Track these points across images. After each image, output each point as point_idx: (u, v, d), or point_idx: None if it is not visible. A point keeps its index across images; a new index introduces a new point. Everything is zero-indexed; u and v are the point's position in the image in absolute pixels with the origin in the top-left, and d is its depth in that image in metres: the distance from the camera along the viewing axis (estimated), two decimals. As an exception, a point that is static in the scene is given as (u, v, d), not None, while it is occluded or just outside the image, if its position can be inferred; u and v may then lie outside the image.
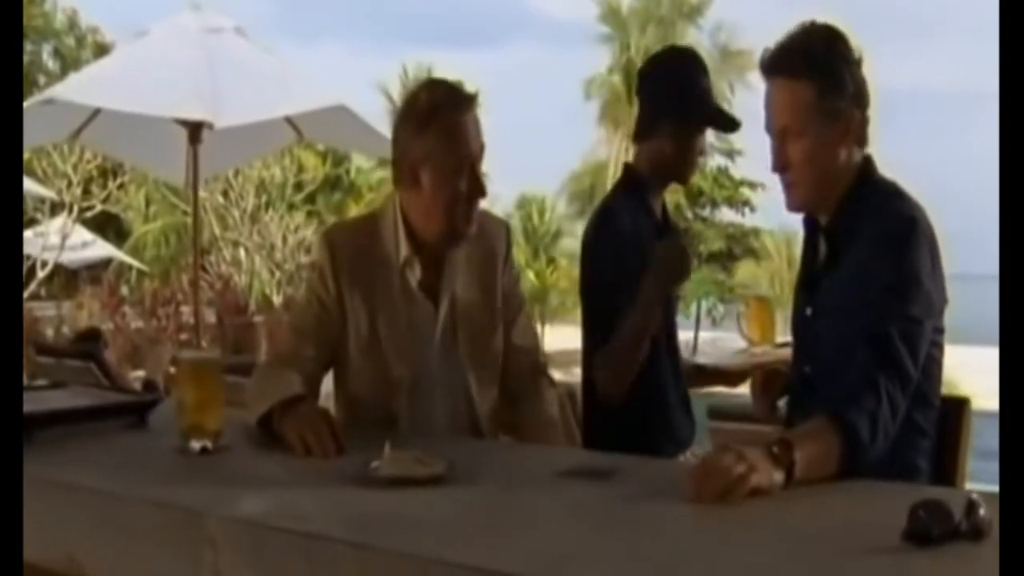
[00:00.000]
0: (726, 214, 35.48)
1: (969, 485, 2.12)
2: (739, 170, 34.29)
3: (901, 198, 1.98)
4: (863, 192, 2.01)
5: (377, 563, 1.34)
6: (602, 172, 31.76)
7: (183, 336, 10.98)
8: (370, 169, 26.46)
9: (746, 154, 34.70)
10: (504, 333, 2.30)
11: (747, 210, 34.30)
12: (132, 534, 1.58)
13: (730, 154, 34.57)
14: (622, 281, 2.37)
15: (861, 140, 2.01)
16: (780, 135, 1.99)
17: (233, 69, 5.67)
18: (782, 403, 2.32)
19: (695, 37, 33.01)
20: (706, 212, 34.98)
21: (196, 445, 1.90)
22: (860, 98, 1.99)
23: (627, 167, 2.62)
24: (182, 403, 1.91)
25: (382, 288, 2.21)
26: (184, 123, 5.82)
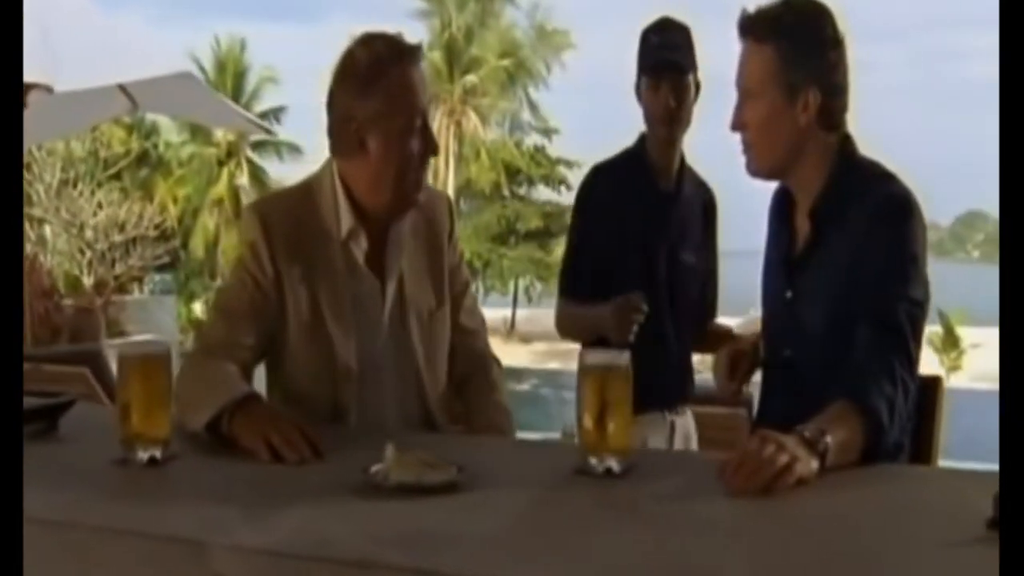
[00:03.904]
0: (543, 192, 36.04)
1: (942, 462, 2.12)
2: (556, 149, 34.92)
3: (892, 179, 1.94)
4: (848, 172, 1.96)
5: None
6: (420, 148, 31.49)
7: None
8: (180, 143, 25.18)
9: (563, 133, 35.41)
10: (451, 313, 2.14)
11: (563, 188, 34.97)
12: (104, 573, 1.31)
13: (547, 132, 35.16)
14: (585, 243, 2.56)
15: (828, 123, 1.93)
16: (741, 95, 1.96)
17: (68, 28, 5.12)
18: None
19: (512, 16, 33.31)
20: (523, 190, 35.43)
21: (143, 455, 1.63)
22: (823, 79, 1.92)
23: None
24: (127, 406, 1.63)
25: (323, 265, 2.00)
26: (7, 86, 5.22)
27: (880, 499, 1.49)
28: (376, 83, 1.92)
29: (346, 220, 2.00)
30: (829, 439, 1.57)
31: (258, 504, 1.42)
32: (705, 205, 2.70)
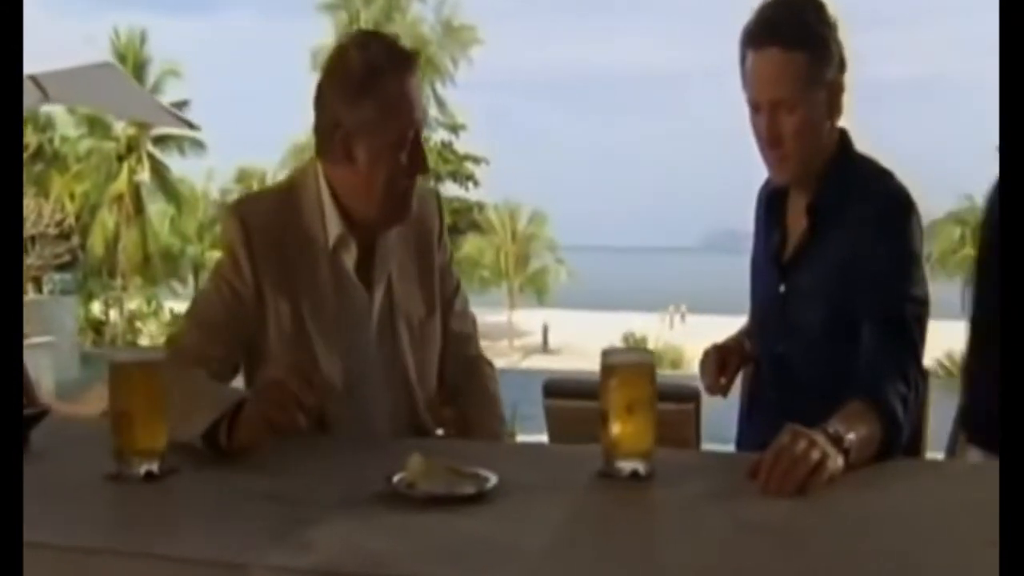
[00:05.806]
0: (451, 188, 35.89)
1: (930, 454, 2.14)
2: (463, 145, 34.80)
3: (890, 176, 1.95)
4: (846, 167, 1.96)
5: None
6: (327, 144, 31.03)
7: None
8: (78, 138, 24.25)
9: (469, 129, 35.32)
10: (441, 318, 2.06)
11: (471, 184, 34.91)
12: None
13: (454, 129, 35.02)
14: None
15: (840, 109, 1.95)
16: (772, 107, 1.89)
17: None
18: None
19: (419, 11, 33.09)
20: (430, 186, 35.18)
21: (139, 469, 1.52)
22: (842, 65, 1.94)
23: None
24: (120, 417, 1.52)
25: (307, 274, 1.89)
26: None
27: (917, 495, 1.49)
28: (369, 92, 1.80)
29: (334, 228, 1.90)
30: (852, 435, 1.57)
31: (283, 520, 1.32)
32: None
